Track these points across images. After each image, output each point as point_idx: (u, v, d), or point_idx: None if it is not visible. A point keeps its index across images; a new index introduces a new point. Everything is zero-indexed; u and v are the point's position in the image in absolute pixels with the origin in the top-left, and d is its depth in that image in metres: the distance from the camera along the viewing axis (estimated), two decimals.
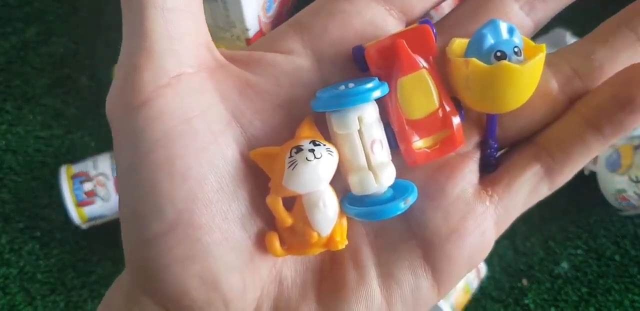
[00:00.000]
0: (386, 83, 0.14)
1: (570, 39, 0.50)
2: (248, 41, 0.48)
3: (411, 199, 0.14)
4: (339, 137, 0.14)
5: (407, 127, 0.15)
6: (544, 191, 0.16)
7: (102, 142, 0.50)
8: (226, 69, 0.15)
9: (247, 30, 0.47)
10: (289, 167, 0.13)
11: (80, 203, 0.41)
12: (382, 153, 0.15)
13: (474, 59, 0.14)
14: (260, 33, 0.49)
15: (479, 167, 0.16)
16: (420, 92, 0.15)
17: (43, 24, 0.58)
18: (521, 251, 0.44)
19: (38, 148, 0.49)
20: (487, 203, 0.15)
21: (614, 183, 0.42)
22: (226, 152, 0.14)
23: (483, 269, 0.39)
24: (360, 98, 0.14)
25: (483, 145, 0.16)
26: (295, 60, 0.15)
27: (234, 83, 0.14)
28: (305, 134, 0.14)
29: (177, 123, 0.13)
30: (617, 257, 0.44)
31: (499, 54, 0.14)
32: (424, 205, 0.15)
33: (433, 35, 0.15)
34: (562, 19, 0.65)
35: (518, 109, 0.15)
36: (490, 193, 0.16)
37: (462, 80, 0.15)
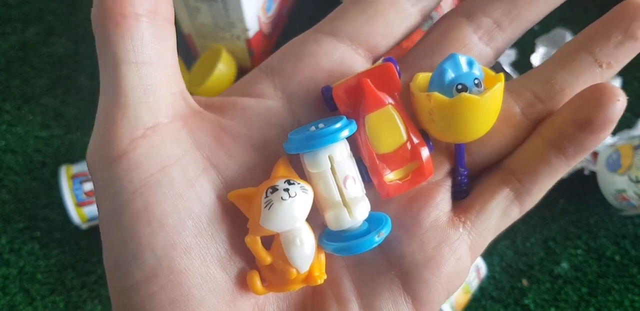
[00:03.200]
0: (354, 122, 0.15)
1: (570, 38, 0.50)
2: (248, 41, 0.48)
3: (385, 232, 0.15)
4: (313, 175, 0.15)
5: (377, 161, 0.15)
6: (515, 214, 0.16)
7: None
8: (200, 115, 0.15)
9: (247, 30, 0.47)
10: (265, 207, 0.14)
11: (80, 204, 0.41)
12: (355, 188, 0.15)
13: (436, 93, 0.15)
14: (260, 33, 0.49)
15: (451, 195, 0.16)
16: (388, 127, 0.15)
17: (42, 24, 0.58)
18: (521, 252, 0.44)
19: (38, 148, 0.49)
20: (461, 230, 0.16)
21: (614, 183, 0.42)
22: (203, 196, 0.14)
23: (483, 269, 0.39)
24: (329, 139, 0.14)
25: (453, 173, 0.16)
26: (266, 103, 0.16)
27: (208, 129, 0.15)
28: (280, 174, 0.15)
29: (154, 172, 0.14)
30: (617, 257, 0.44)
31: (459, 86, 0.15)
32: (399, 236, 0.16)
33: (396, 72, 0.15)
34: (562, 19, 0.65)
35: (484, 136, 0.15)
36: (463, 219, 0.16)
37: (426, 113, 0.15)
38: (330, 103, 0.15)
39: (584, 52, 0.16)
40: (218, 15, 0.46)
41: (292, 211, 0.14)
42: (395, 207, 0.16)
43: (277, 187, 0.14)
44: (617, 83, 0.49)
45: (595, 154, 0.45)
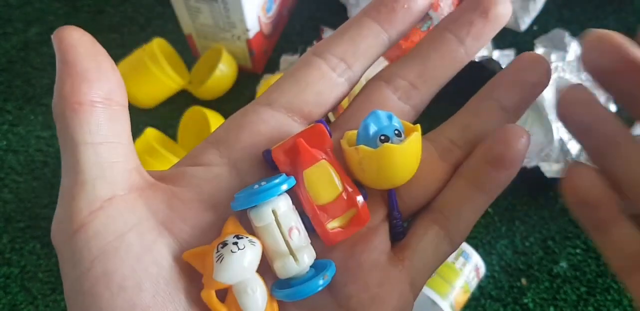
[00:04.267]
0: (292, 177, 0.16)
1: (569, 39, 0.50)
2: (248, 41, 0.49)
3: (329, 274, 0.16)
4: (259, 229, 0.16)
5: (318, 212, 0.16)
6: (447, 248, 0.18)
7: None
8: (155, 186, 0.16)
9: (247, 30, 0.47)
10: (217, 261, 0.15)
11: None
12: (299, 238, 0.16)
13: (363, 146, 0.16)
14: (260, 33, 0.50)
15: (390, 237, 0.18)
16: (324, 180, 0.17)
17: (44, 24, 0.58)
18: (520, 251, 0.44)
19: (39, 148, 0.49)
20: (400, 268, 0.17)
21: None
22: (160, 259, 0.15)
23: (482, 268, 0.40)
24: (269, 193, 0.15)
25: (389, 218, 0.18)
26: (214, 170, 0.17)
27: (162, 198, 0.16)
28: (229, 231, 0.16)
29: (111, 240, 0.15)
30: None
31: (382, 137, 0.16)
32: (345, 279, 0.17)
33: (327, 131, 0.17)
34: (561, 19, 0.65)
35: (411, 182, 0.17)
36: (401, 258, 0.17)
37: (356, 164, 0.17)
38: (272, 165, 0.17)
39: (487, 99, 0.19)
40: (218, 15, 0.46)
41: (241, 262, 0.15)
42: (339, 253, 0.17)
43: (226, 242, 0.15)
44: None
45: None
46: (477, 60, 0.48)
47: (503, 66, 0.49)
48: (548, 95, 0.47)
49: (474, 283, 0.39)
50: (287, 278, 0.16)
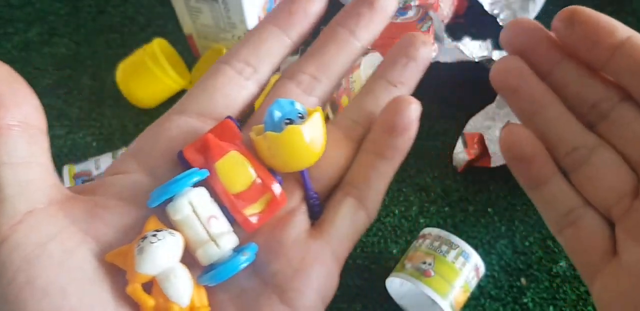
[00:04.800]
0: (204, 170, 0.17)
1: None
2: None
3: (249, 252, 0.16)
4: (178, 222, 0.16)
5: (234, 200, 0.17)
6: (364, 217, 0.19)
7: (103, 142, 0.50)
8: (74, 199, 0.17)
9: (247, 30, 0.47)
10: (137, 254, 0.15)
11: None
12: (219, 225, 0.17)
13: (269, 132, 0.17)
14: None
15: (309, 215, 0.19)
16: (236, 169, 0.17)
17: (45, 25, 0.58)
18: (520, 251, 0.44)
19: None
20: (320, 241, 0.18)
21: None
22: (83, 263, 0.16)
23: (482, 268, 0.40)
24: (179, 184, 0.16)
25: (306, 198, 0.19)
26: (132, 177, 0.18)
27: (82, 207, 0.17)
28: (150, 228, 0.16)
29: (33, 249, 0.15)
30: None
31: (287, 121, 0.17)
32: (268, 258, 0.18)
33: (235, 124, 0.18)
34: None
35: (320, 161, 0.18)
36: (320, 232, 0.19)
37: (266, 151, 0.18)
38: (187, 165, 0.18)
39: (379, 78, 0.20)
40: (219, 15, 0.46)
41: (162, 252, 0.15)
42: (261, 236, 0.18)
43: (145, 236, 0.16)
44: None
45: None
46: (477, 60, 0.48)
47: None
48: None
49: (473, 283, 0.39)
50: (210, 265, 0.17)
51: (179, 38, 0.56)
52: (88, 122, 0.51)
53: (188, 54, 0.55)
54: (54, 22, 0.59)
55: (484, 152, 0.48)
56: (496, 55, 0.50)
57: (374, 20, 0.21)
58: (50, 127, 0.52)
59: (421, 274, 0.37)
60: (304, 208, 0.19)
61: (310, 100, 0.20)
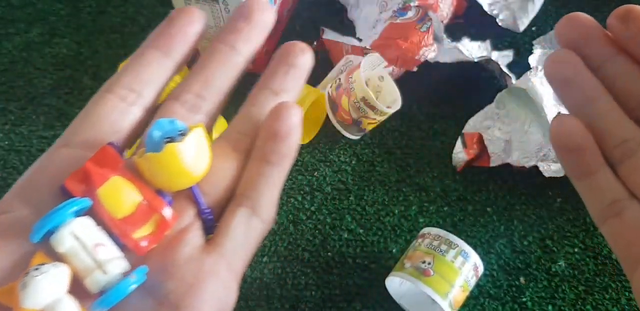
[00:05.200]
0: (84, 198, 0.17)
1: None
2: None
3: (137, 274, 0.16)
4: (64, 254, 0.16)
5: (121, 225, 0.17)
6: (259, 224, 0.19)
7: None
8: None
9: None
10: (21, 289, 0.15)
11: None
12: (106, 252, 0.16)
13: (149, 153, 0.17)
14: None
15: (205, 231, 0.19)
16: (119, 194, 0.17)
17: (46, 25, 0.59)
18: (519, 250, 0.44)
19: (41, 148, 0.50)
20: (213, 254, 0.18)
21: None
22: None
23: (481, 267, 0.40)
24: (55, 217, 0.16)
25: (200, 214, 0.19)
26: (14, 215, 0.17)
27: None
28: (35, 263, 0.16)
29: None
30: (614, 256, 0.44)
31: (167, 140, 0.17)
32: (162, 278, 0.17)
33: (114, 150, 0.18)
34: (559, 20, 0.64)
35: (209, 176, 0.18)
36: (213, 245, 0.18)
37: (149, 172, 0.18)
38: (69, 196, 0.17)
39: (262, 88, 0.21)
40: (219, 16, 0.47)
41: (46, 285, 0.15)
42: (155, 257, 0.18)
43: (29, 271, 0.15)
44: None
45: None
46: (476, 60, 0.49)
47: (502, 66, 0.49)
48: (547, 96, 0.48)
49: (472, 282, 0.39)
50: (100, 292, 0.17)
51: None
52: None
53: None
54: (54, 23, 0.59)
55: (483, 151, 0.48)
56: (495, 55, 0.50)
57: (252, 34, 0.21)
58: (51, 127, 0.52)
59: (420, 273, 0.37)
60: (198, 225, 0.19)
61: (196, 118, 0.20)
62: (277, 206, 0.20)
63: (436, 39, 0.49)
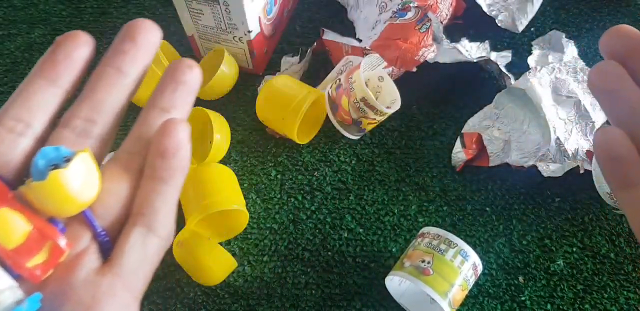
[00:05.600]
0: None
1: (566, 40, 0.51)
2: (250, 43, 0.49)
3: (28, 301, 0.16)
4: None
5: (13, 255, 0.17)
6: (155, 242, 0.19)
7: None
8: None
9: (248, 32, 0.48)
10: None
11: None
12: None
13: (33, 182, 0.17)
14: (261, 34, 0.50)
15: (101, 253, 0.19)
16: (9, 224, 0.17)
17: (48, 26, 0.59)
18: (517, 249, 0.44)
19: None
20: (109, 275, 0.18)
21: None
22: None
23: (480, 266, 0.40)
24: None
25: (95, 237, 0.19)
26: None
27: None
28: None
29: None
30: (612, 255, 0.44)
31: (52, 167, 0.17)
32: (59, 302, 0.18)
33: (2, 182, 0.18)
34: (558, 21, 0.66)
35: (101, 198, 0.19)
36: (109, 266, 0.19)
37: (37, 201, 0.18)
38: None
39: (152, 107, 0.21)
40: (220, 17, 0.47)
41: None
42: (51, 283, 0.18)
43: None
44: None
45: (590, 153, 0.46)
46: (475, 61, 0.49)
47: (501, 67, 0.49)
48: (545, 96, 0.48)
49: (472, 281, 0.39)
50: None
51: (181, 39, 0.56)
52: None
53: (189, 55, 0.55)
54: (56, 24, 0.59)
55: (482, 151, 0.48)
56: (493, 55, 0.50)
57: (138, 55, 0.21)
58: (52, 127, 0.52)
59: (420, 272, 0.37)
60: (94, 248, 0.19)
61: (87, 142, 0.20)
62: (174, 221, 0.20)
63: (435, 39, 0.49)
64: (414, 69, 0.49)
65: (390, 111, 0.46)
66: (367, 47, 0.49)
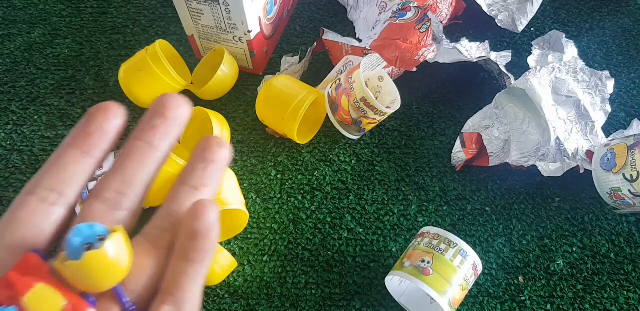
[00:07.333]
0: (10, 307, 0.18)
1: (566, 40, 0.51)
2: (250, 43, 0.49)
3: None
4: None
5: None
6: None
7: None
8: None
9: (248, 32, 0.48)
10: None
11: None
12: None
13: (68, 261, 0.18)
14: (261, 34, 0.50)
15: None
16: (45, 300, 0.18)
17: (48, 26, 0.59)
18: (517, 249, 0.44)
19: (43, 147, 0.50)
20: None
21: (608, 182, 0.43)
22: None
23: (480, 266, 0.40)
24: None
25: None
26: None
27: None
28: None
29: None
30: (612, 255, 0.44)
31: (87, 246, 0.18)
32: None
33: (38, 257, 0.19)
34: (558, 21, 0.66)
35: (131, 274, 0.20)
36: None
37: (71, 278, 0.19)
38: None
39: (182, 185, 0.22)
40: (220, 17, 0.47)
41: None
42: None
43: None
44: (610, 83, 0.50)
45: (590, 153, 0.46)
46: (475, 61, 0.49)
47: (501, 67, 0.49)
48: (545, 96, 0.48)
49: (471, 281, 0.39)
50: None
51: (181, 39, 0.56)
52: None
53: (190, 55, 0.55)
54: (56, 23, 0.59)
55: (482, 151, 0.48)
56: (493, 56, 0.50)
57: (169, 130, 0.22)
58: (53, 127, 0.52)
59: (420, 272, 0.37)
60: None
61: (118, 214, 0.21)
62: (201, 299, 0.21)
63: (435, 39, 0.49)
64: (414, 69, 0.49)
65: (390, 111, 0.46)
66: (367, 47, 0.49)
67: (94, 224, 0.19)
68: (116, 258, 0.19)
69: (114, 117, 0.21)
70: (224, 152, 0.22)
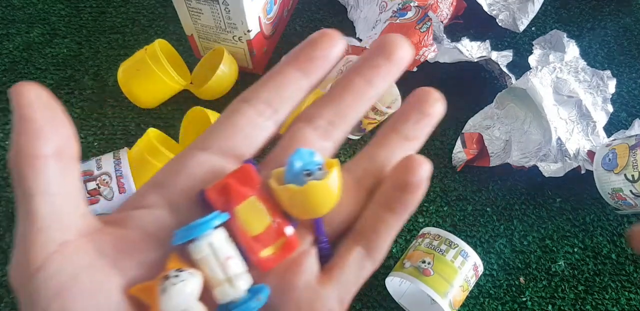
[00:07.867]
0: (224, 213, 0.19)
1: (567, 40, 0.51)
2: (249, 42, 0.49)
3: (262, 296, 0.18)
4: (198, 261, 0.18)
5: (251, 242, 0.19)
6: (369, 266, 0.20)
7: (105, 142, 0.50)
8: (101, 231, 0.19)
9: (248, 31, 0.48)
10: (161, 293, 0.17)
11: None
12: (235, 265, 0.18)
13: (290, 185, 0.19)
14: (261, 34, 0.50)
15: (318, 259, 0.20)
16: (254, 214, 0.19)
17: (47, 25, 0.59)
18: (519, 250, 0.44)
19: None
20: (328, 287, 0.20)
21: (610, 183, 0.43)
22: (110, 296, 0.17)
23: (480, 267, 0.40)
24: (201, 228, 0.18)
25: (316, 242, 0.20)
26: (155, 212, 0.19)
27: (109, 241, 0.18)
28: (171, 266, 0.18)
29: (67, 280, 0.17)
30: (613, 255, 0.44)
31: (307, 172, 0.19)
32: (279, 301, 0.19)
33: (254, 170, 0.19)
34: (559, 21, 0.66)
35: (334, 209, 0.20)
36: (329, 277, 0.20)
37: (286, 201, 0.19)
38: (206, 205, 0.19)
39: (394, 132, 0.22)
40: (219, 16, 0.47)
41: (183, 293, 0.17)
42: (273, 277, 0.19)
43: (168, 276, 0.17)
44: (611, 83, 0.50)
45: (591, 154, 0.46)
46: (475, 60, 0.49)
47: (502, 66, 0.49)
48: (546, 96, 0.48)
49: (472, 282, 0.39)
50: (226, 303, 0.18)
51: (180, 39, 0.56)
52: (89, 122, 0.51)
53: (189, 54, 0.55)
54: (55, 23, 0.59)
55: (482, 151, 0.48)
56: (494, 55, 0.50)
57: (391, 72, 0.22)
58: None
59: (420, 273, 0.37)
60: (313, 252, 0.20)
61: (326, 144, 0.21)
62: (388, 251, 0.21)
63: (436, 39, 0.49)
64: (415, 69, 0.49)
65: (391, 111, 0.46)
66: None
67: (314, 152, 0.19)
68: (335, 192, 0.19)
69: (337, 45, 0.21)
70: (440, 108, 0.22)
